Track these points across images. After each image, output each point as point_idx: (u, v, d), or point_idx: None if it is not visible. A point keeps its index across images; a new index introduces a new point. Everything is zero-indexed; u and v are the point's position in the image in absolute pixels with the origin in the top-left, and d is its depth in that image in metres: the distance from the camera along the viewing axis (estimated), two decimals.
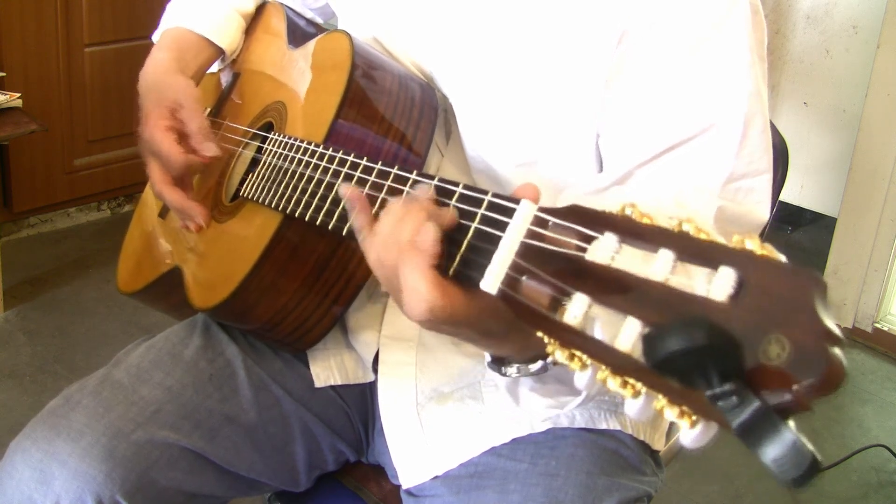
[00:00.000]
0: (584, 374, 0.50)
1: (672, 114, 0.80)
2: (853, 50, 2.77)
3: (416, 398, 0.97)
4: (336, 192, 0.77)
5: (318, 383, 1.01)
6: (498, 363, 0.72)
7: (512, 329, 0.65)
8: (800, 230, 3.25)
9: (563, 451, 0.92)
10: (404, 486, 0.98)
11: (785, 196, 2.44)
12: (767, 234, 1.14)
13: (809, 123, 2.91)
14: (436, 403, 0.97)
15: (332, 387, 1.02)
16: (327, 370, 1.02)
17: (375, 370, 1.00)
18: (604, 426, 0.95)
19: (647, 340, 0.44)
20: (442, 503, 0.94)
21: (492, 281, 0.57)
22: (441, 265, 0.62)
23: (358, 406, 1.05)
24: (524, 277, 0.56)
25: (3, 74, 2.47)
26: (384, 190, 0.72)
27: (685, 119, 0.80)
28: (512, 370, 0.71)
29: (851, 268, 2.64)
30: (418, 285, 0.60)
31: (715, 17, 0.80)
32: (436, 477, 0.96)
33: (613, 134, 0.85)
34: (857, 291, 2.64)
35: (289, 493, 1.06)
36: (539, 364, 0.69)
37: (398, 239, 0.63)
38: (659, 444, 1.02)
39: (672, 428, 1.10)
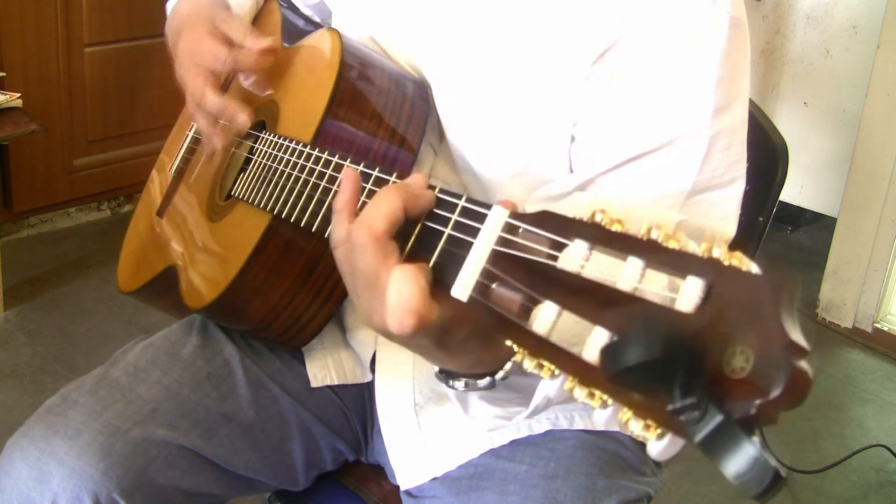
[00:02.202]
0: (554, 382, 0.50)
1: (638, 125, 0.81)
2: (853, 50, 2.78)
3: (413, 399, 0.97)
4: (321, 192, 0.77)
5: (315, 383, 1.01)
6: (446, 375, 0.72)
7: (468, 340, 0.64)
8: (800, 230, 3.25)
9: (562, 452, 0.92)
10: (403, 488, 0.98)
11: (785, 196, 2.44)
12: (767, 235, 1.14)
13: (809, 123, 2.91)
14: (434, 404, 0.97)
15: (329, 386, 1.02)
16: (324, 370, 1.01)
17: (373, 370, 1.00)
18: (603, 427, 0.95)
19: (606, 352, 0.44)
20: None
21: (463, 288, 0.57)
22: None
23: (356, 406, 1.05)
24: (494, 285, 0.55)
25: (3, 74, 2.47)
26: (364, 192, 0.72)
27: (650, 131, 0.81)
28: (459, 384, 0.70)
29: (851, 268, 2.64)
30: (415, 294, 0.58)
31: (692, 35, 0.79)
32: (435, 478, 0.96)
33: (583, 141, 0.85)
34: (857, 291, 2.64)
35: (288, 492, 1.06)
36: (487, 381, 0.69)
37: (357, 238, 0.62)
38: None
39: None
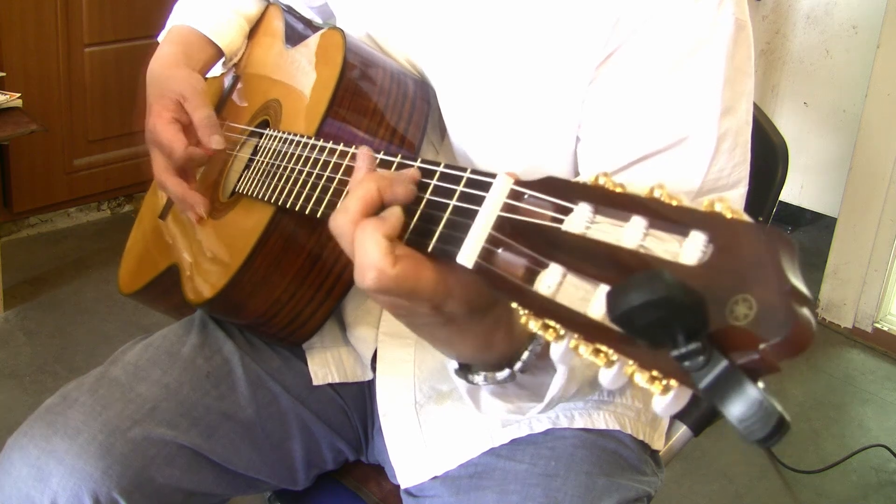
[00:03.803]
0: (560, 345, 0.50)
1: (645, 126, 0.81)
2: (853, 50, 2.77)
3: (414, 397, 0.97)
4: (324, 180, 0.77)
5: (316, 381, 1.01)
6: (464, 370, 0.72)
7: (474, 314, 0.64)
8: (800, 230, 3.25)
9: (562, 451, 0.92)
10: (403, 486, 0.98)
11: (785, 196, 2.44)
12: None
13: (809, 123, 2.91)
14: (434, 403, 0.97)
15: (330, 385, 1.02)
16: (325, 368, 1.02)
17: (374, 368, 1.00)
18: (603, 426, 0.95)
19: (610, 296, 0.44)
20: (441, 503, 0.94)
21: (468, 254, 0.57)
22: (413, 240, 0.62)
23: (357, 404, 1.05)
24: (500, 250, 0.56)
25: (3, 74, 2.47)
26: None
27: (657, 132, 0.81)
28: (479, 378, 0.70)
29: (851, 268, 2.64)
30: (369, 250, 0.59)
31: (696, 38, 0.80)
32: (435, 477, 0.96)
33: (589, 141, 0.85)
34: (857, 291, 2.64)
35: (288, 492, 1.06)
36: (506, 372, 0.69)
37: (349, 208, 0.63)
38: (658, 444, 1.01)
39: (672, 427, 1.10)
